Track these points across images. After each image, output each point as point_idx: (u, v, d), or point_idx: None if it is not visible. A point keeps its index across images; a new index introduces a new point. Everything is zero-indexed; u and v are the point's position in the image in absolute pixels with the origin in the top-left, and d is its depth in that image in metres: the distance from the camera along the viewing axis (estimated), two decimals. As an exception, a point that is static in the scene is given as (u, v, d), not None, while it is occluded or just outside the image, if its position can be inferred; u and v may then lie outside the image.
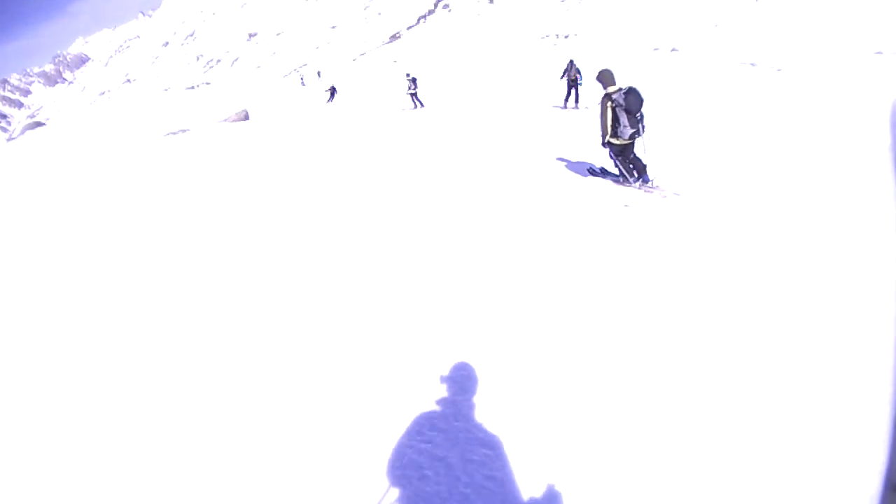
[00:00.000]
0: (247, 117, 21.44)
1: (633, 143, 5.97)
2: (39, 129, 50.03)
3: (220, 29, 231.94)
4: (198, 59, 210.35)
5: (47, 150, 22.58)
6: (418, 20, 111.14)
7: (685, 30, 64.26)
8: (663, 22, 70.83)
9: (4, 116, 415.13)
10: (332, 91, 26.99)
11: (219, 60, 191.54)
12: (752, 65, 31.80)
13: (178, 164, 10.69)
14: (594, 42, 68.99)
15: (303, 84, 50.09)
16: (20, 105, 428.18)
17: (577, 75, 15.03)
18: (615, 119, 5.75)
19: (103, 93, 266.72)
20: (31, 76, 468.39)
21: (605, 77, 5.75)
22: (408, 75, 19.70)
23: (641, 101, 5.58)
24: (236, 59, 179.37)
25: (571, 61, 15.43)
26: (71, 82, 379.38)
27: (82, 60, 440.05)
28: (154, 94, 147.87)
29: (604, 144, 6.03)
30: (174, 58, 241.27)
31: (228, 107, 28.63)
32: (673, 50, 50.97)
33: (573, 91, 15.03)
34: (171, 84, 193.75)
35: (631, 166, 6.10)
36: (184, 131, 16.97)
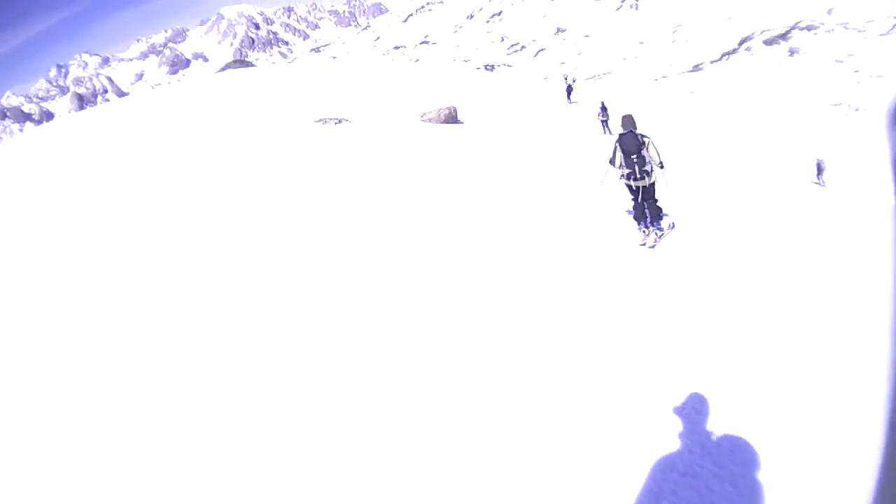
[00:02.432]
0: (453, 117, 18.49)
1: (645, 188, 6.52)
2: (245, 68, 46.07)
3: (529, 16, 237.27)
4: (502, 39, 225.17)
5: (225, 93, 23.84)
6: (721, 56, 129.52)
7: None
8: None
9: (286, 43, 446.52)
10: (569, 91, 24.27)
11: (524, 47, 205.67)
12: None
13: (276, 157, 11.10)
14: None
15: (566, 83, 50.94)
16: (305, 36, 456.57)
17: None
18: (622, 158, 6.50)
19: (398, 47, 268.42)
20: (321, 11, 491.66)
21: (623, 120, 6.54)
22: (602, 104, 20.55)
23: (638, 144, 6.32)
24: (542, 49, 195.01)
25: None
26: (365, 28, 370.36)
27: (380, 10, 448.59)
28: (450, 63, 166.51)
29: (620, 178, 6.75)
30: (477, 32, 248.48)
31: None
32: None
33: None
34: (471, 57, 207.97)
35: (645, 210, 6.63)
36: (338, 121, 15.24)
